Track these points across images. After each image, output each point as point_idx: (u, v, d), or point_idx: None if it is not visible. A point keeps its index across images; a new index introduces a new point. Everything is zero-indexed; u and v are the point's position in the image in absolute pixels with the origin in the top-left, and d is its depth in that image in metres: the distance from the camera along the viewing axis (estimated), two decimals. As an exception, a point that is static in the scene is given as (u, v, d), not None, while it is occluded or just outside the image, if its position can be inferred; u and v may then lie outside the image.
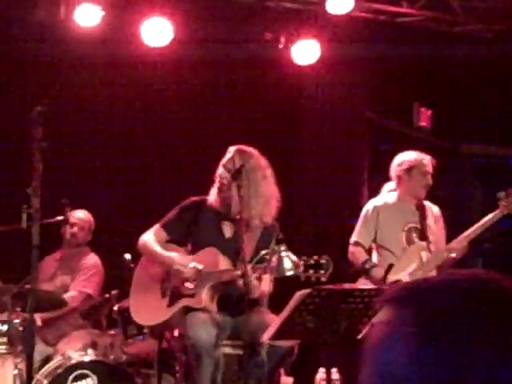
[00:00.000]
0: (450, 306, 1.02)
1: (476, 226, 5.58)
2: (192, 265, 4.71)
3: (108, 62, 7.19)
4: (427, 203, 5.80)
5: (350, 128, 7.70)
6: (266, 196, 4.83)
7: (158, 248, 4.92)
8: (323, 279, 4.18)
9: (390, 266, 4.93)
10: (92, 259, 6.20)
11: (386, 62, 7.56)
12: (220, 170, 4.84)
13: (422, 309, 1.03)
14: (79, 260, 6.17)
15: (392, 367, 1.02)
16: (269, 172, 4.88)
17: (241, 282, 4.34)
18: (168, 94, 7.32)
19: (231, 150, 4.86)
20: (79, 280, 6.05)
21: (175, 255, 4.86)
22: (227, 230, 4.89)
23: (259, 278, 4.58)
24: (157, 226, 5.01)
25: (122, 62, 7.21)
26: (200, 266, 4.68)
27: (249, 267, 4.26)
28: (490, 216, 5.55)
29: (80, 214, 6.09)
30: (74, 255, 6.20)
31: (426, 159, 5.67)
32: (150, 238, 4.96)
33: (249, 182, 4.76)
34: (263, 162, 4.88)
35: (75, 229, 6.09)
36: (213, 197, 4.90)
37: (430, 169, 5.66)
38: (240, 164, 4.71)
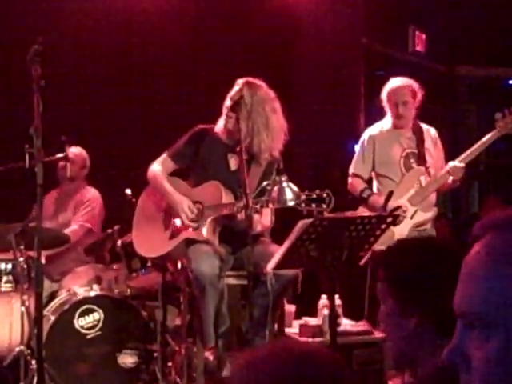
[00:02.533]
0: None
1: (473, 147, 5.59)
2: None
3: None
4: (424, 126, 5.79)
5: (345, 54, 7.65)
6: (275, 129, 4.80)
7: (165, 184, 4.92)
8: (325, 214, 4.19)
9: (390, 193, 4.95)
10: (91, 193, 6.21)
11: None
12: (227, 102, 4.80)
13: None
14: (78, 195, 6.19)
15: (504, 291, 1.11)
16: (277, 105, 4.84)
17: (243, 215, 4.36)
18: (166, 24, 7.23)
19: (239, 82, 4.80)
20: (79, 214, 6.08)
21: (179, 198, 4.86)
22: (233, 163, 4.89)
23: (260, 212, 4.59)
24: (164, 156, 4.99)
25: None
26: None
27: (251, 200, 4.27)
28: (487, 137, 5.56)
29: (72, 150, 6.04)
30: (72, 191, 6.21)
31: (398, 88, 5.60)
32: (158, 169, 4.96)
33: (258, 114, 4.73)
34: (272, 94, 4.83)
35: (67, 164, 6.05)
36: (219, 129, 4.88)
37: (400, 98, 5.58)
38: (240, 95, 4.67)
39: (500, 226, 1.19)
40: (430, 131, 5.80)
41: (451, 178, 5.55)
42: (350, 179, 5.78)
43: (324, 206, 4.20)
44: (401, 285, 2.09)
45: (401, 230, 5.38)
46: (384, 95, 5.65)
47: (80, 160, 6.14)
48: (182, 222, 4.81)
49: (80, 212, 6.09)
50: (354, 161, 5.81)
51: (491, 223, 1.20)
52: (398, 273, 2.15)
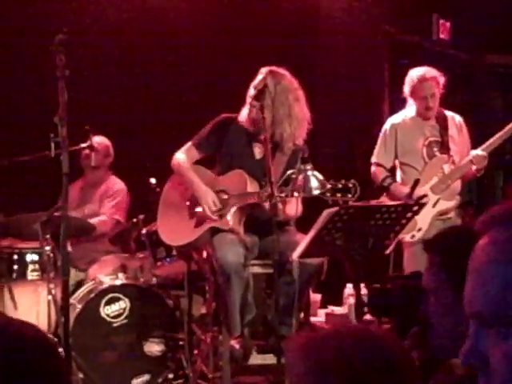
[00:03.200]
0: None
1: (496, 136, 5.55)
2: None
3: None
4: (449, 113, 5.76)
5: (369, 43, 7.62)
6: (298, 118, 4.80)
7: (190, 173, 4.94)
8: (350, 203, 4.19)
9: (417, 181, 4.93)
10: (117, 184, 6.22)
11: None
12: (251, 91, 4.80)
13: None
14: (103, 186, 6.20)
15: None
16: (301, 94, 4.84)
17: (267, 203, 4.36)
18: (189, 13, 7.24)
19: (263, 71, 4.80)
20: (108, 206, 6.09)
21: (203, 189, 4.87)
22: (258, 152, 4.89)
23: (284, 201, 4.59)
24: (189, 144, 5.00)
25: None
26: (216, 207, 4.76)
27: (275, 189, 4.27)
28: (510, 126, 5.51)
29: (95, 139, 6.02)
30: (97, 181, 6.22)
31: (425, 82, 5.54)
32: (182, 158, 4.97)
33: (281, 103, 4.73)
34: (295, 83, 4.83)
35: (92, 153, 6.05)
36: (244, 117, 4.88)
37: (428, 91, 5.54)
38: (264, 84, 4.68)
39: (502, 221, 1.17)
40: (454, 118, 5.77)
41: (474, 166, 5.52)
42: (372, 168, 5.77)
43: (349, 195, 4.19)
44: (459, 271, 2.08)
45: (423, 219, 5.36)
46: (409, 88, 5.61)
47: (103, 148, 6.13)
48: (204, 213, 4.82)
49: (107, 204, 6.10)
50: (376, 150, 5.80)
51: (493, 218, 1.19)
52: (456, 258, 2.13)
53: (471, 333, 1.16)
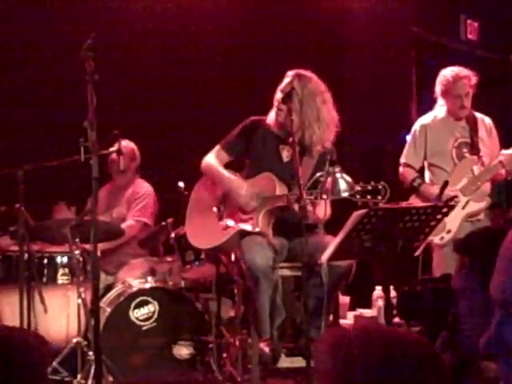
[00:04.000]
0: None
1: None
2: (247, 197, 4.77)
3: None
4: (478, 115, 5.72)
5: (396, 44, 7.59)
6: (326, 121, 4.79)
7: (221, 169, 4.95)
8: (381, 205, 4.17)
9: (446, 183, 4.89)
10: (144, 187, 6.24)
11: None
12: (278, 95, 4.80)
13: None
14: (131, 189, 6.22)
15: None
16: (328, 96, 4.83)
17: (296, 206, 4.35)
18: (216, 16, 7.25)
19: (289, 74, 4.80)
20: (135, 210, 6.11)
21: (236, 180, 4.88)
22: (286, 154, 4.89)
23: (313, 204, 4.58)
24: (218, 147, 5.02)
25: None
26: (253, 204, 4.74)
27: (304, 191, 4.26)
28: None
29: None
30: (125, 185, 6.25)
31: (459, 81, 5.52)
32: (211, 160, 4.99)
33: (309, 107, 4.72)
34: (322, 86, 4.82)
35: (120, 157, 6.06)
36: (271, 121, 4.88)
37: (463, 91, 5.52)
38: (291, 87, 4.67)
39: None
40: (484, 120, 5.73)
41: (504, 168, 5.47)
42: (401, 169, 5.75)
43: (379, 197, 4.17)
44: (489, 272, 2.06)
45: (452, 221, 5.32)
46: (442, 87, 5.57)
47: (129, 152, 6.14)
48: (238, 210, 4.82)
49: (135, 207, 6.13)
50: (405, 150, 5.78)
51: None
52: (486, 259, 2.11)
53: (494, 322, 1.15)
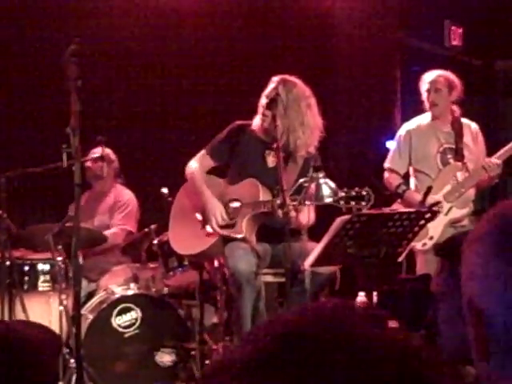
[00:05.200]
0: None
1: (511, 144, 5.50)
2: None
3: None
4: (465, 121, 5.72)
5: (381, 49, 7.59)
6: (311, 126, 4.78)
7: (202, 186, 4.92)
8: (364, 211, 4.16)
9: (429, 189, 4.89)
10: (126, 194, 6.19)
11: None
12: (263, 101, 4.78)
13: None
14: (112, 197, 6.16)
15: None
16: (313, 101, 4.81)
17: (280, 212, 4.33)
18: (200, 21, 7.23)
19: (274, 79, 4.78)
20: (118, 217, 6.06)
21: (212, 203, 4.85)
22: (271, 160, 4.87)
23: (297, 209, 4.56)
24: (202, 152, 4.99)
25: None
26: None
27: (288, 197, 4.25)
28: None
29: (95, 150, 5.93)
30: (106, 191, 6.19)
31: (433, 76, 5.57)
32: (196, 167, 4.96)
33: (294, 112, 4.71)
34: (307, 91, 4.80)
35: (104, 163, 5.98)
36: (256, 126, 4.86)
37: (432, 85, 5.54)
38: (276, 93, 4.66)
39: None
40: (470, 126, 5.73)
41: (488, 174, 5.46)
42: (385, 174, 5.73)
43: (363, 203, 4.16)
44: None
45: (435, 227, 5.30)
46: (420, 88, 5.62)
47: (106, 157, 5.97)
48: (211, 225, 4.81)
49: (118, 215, 6.08)
50: (390, 155, 5.77)
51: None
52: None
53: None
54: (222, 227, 4.79)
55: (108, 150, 5.97)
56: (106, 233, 5.81)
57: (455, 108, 5.66)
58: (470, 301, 1.10)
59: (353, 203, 4.17)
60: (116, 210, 6.09)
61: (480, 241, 1.11)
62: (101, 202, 6.16)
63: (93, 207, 6.08)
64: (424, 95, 5.62)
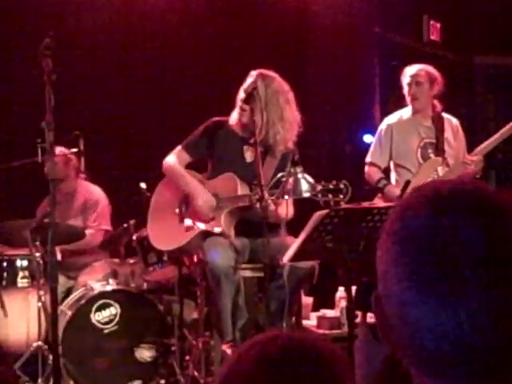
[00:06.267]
0: None
1: (492, 138, 5.53)
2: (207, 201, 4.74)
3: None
4: (446, 116, 5.73)
5: (359, 44, 7.60)
6: (289, 120, 4.78)
7: (182, 172, 4.91)
8: (342, 204, 4.16)
9: (407, 183, 4.90)
10: (95, 192, 6.07)
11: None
12: (241, 95, 4.77)
13: None
14: (82, 197, 6.04)
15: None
16: (291, 96, 4.82)
17: (258, 206, 4.33)
18: (179, 16, 7.21)
19: (252, 73, 4.78)
20: (92, 218, 5.97)
21: (196, 187, 4.84)
22: (249, 155, 4.86)
23: (276, 203, 4.56)
24: (179, 148, 4.98)
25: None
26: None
27: (265, 191, 4.25)
28: (506, 128, 5.48)
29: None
30: (72, 191, 6.06)
31: (413, 70, 5.59)
32: (172, 161, 4.95)
33: (273, 106, 4.71)
34: (285, 85, 4.81)
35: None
36: (234, 121, 4.85)
37: (413, 78, 5.57)
38: (254, 87, 4.65)
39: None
40: (451, 121, 5.74)
41: (470, 167, 5.48)
42: (366, 168, 5.73)
43: (341, 196, 4.16)
44: None
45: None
46: (401, 78, 5.64)
47: (60, 158, 5.68)
48: (198, 213, 4.79)
49: (91, 215, 5.95)
50: (371, 149, 5.77)
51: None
52: None
53: None
54: (200, 220, 4.78)
55: (62, 149, 5.67)
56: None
57: (436, 103, 5.68)
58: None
59: (330, 196, 4.17)
60: (87, 211, 5.99)
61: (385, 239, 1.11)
62: (71, 204, 6.03)
63: (63, 210, 5.83)
64: (405, 89, 5.63)
